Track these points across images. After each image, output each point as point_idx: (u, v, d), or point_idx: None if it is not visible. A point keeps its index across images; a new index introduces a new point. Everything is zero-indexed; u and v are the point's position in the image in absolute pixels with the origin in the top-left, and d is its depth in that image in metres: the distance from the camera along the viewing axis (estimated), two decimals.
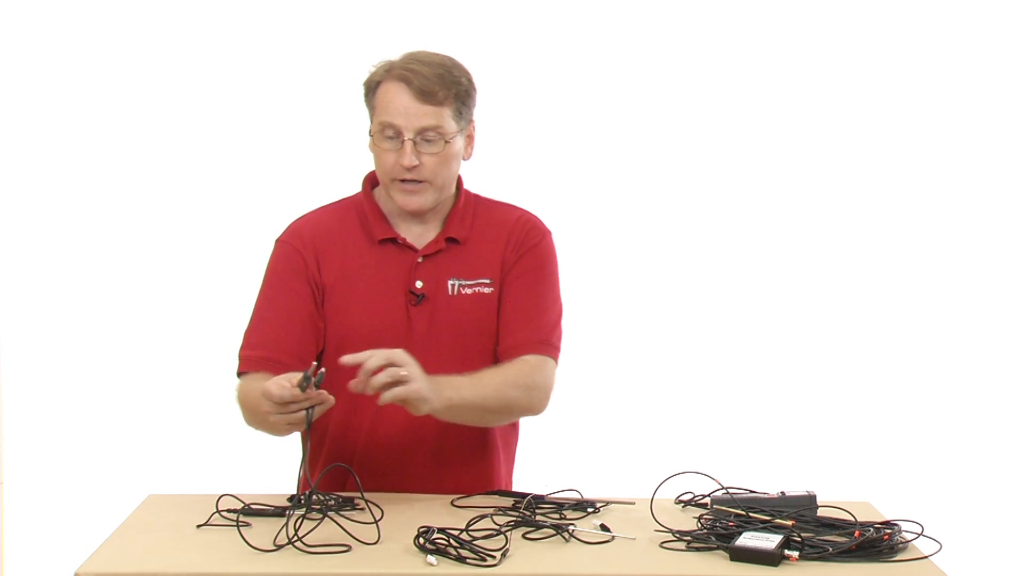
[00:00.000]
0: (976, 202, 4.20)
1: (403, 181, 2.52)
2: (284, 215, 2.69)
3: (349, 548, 2.14)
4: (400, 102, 2.49)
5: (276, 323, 2.54)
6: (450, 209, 2.62)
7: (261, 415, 2.34)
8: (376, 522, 2.20)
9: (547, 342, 2.58)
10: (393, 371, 2.28)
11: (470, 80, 2.56)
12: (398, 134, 2.50)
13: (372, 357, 2.30)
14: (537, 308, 2.59)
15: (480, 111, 2.61)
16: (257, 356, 2.52)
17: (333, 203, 2.68)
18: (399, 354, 2.32)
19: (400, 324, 2.55)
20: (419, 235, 2.61)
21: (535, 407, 2.56)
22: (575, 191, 4.14)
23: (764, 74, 4.17)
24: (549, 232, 2.67)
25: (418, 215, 2.58)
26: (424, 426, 2.55)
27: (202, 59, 4.08)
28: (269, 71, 4.09)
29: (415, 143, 2.49)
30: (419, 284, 2.57)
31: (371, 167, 2.65)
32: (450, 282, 2.58)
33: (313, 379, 2.25)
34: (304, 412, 2.29)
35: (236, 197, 4.06)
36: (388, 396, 2.30)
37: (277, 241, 2.64)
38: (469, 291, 2.59)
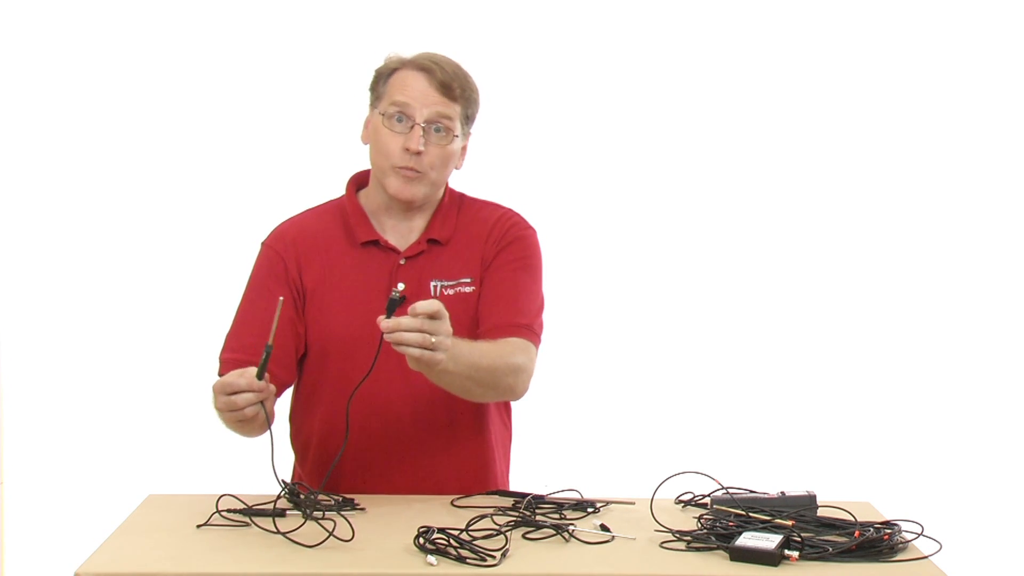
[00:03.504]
0: (976, 202, 4.20)
1: (403, 168, 2.53)
2: (284, 215, 2.69)
3: (331, 533, 2.15)
4: (418, 87, 2.52)
5: (256, 327, 2.52)
6: (435, 209, 2.62)
7: (218, 412, 2.37)
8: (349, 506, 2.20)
9: (529, 327, 2.56)
10: (425, 338, 2.24)
11: (478, 93, 2.60)
12: (410, 117, 2.51)
13: (423, 303, 2.24)
14: (518, 295, 2.58)
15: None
16: (236, 360, 2.51)
17: (318, 206, 2.69)
18: (443, 314, 2.26)
19: None
20: (402, 236, 2.61)
21: (518, 390, 2.54)
22: (573, 193, 4.15)
23: (751, 72, 4.17)
24: (533, 229, 2.66)
25: (407, 206, 2.58)
26: (411, 426, 2.56)
27: (191, 63, 4.08)
28: (259, 75, 4.09)
29: (424, 130, 2.50)
30: (401, 286, 2.57)
31: (357, 170, 2.66)
32: (432, 283, 2.58)
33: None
34: (252, 409, 2.32)
35: (236, 198, 4.06)
36: (411, 357, 2.27)
37: (261, 244, 2.65)
38: (451, 291, 2.58)
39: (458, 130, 2.55)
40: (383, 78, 2.58)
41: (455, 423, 2.60)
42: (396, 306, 2.24)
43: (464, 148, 2.61)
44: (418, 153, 2.51)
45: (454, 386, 2.45)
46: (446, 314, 2.27)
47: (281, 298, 2.35)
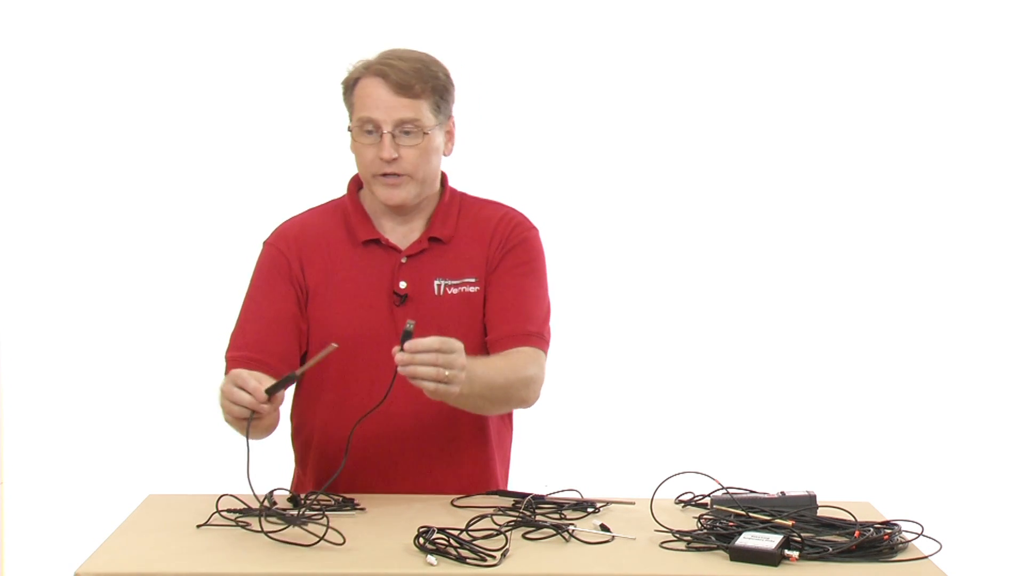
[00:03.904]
0: (976, 202, 4.19)
1: (384, 175, 2.53)
2: (286, 215, 2.69)
3: (322, 537, 2.14)
4: (378, 96, 2.51)
5: (260, 325, 2.54)
6: (435, 208, 2.62)
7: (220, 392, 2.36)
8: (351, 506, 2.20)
9: (539, 335, 2.57)
10: (439, 372, 2.25)
11: (447, 75, 2.57)
12: (377, 128, 2.51)
13: (422, 341, 2.25)
14: (526, 301, 2.58)
15: (467, 109, 2.63)
16: (242, 357, 2.51)
17: (320, 205, 2.69)
18: (457, 346, 2.28)
19: (384, 325, 2.54)
20: (403, 235, 2.61)
21: (530, 400, 2.55)
22: (570, 190, 4.14)
23: (752, 71, 4.17)
24: (536, 229, 2.66)
25: (401, 210, 2.58)
26: (410, 429, 2.55)
27: (192, 62, 4.08)
28: (259, 73, 4.08)
29: (394, 136, 2.50)
30: (403, 284, 2.57)
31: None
32: (436, 282, 2.58)
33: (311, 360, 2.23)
34: (239, 410, 2.30)
35: (236, 198, 4.06)
36: (426, 390, 2.28)
37: (263, 243, 2.65)
38: (455, 291, 2.58)
39: (430, 125, 2.52)
40: (349, 89, 2.57)
41: (456, 426, 2.59)
42: (409, 338, 2.24)
43: (450, 132, 2.59)
44: (393, 160, 2.51)
45: (469, 405, 2.47)
46: (460, 346, 2.28)
47: (334, 344, 2.33)
